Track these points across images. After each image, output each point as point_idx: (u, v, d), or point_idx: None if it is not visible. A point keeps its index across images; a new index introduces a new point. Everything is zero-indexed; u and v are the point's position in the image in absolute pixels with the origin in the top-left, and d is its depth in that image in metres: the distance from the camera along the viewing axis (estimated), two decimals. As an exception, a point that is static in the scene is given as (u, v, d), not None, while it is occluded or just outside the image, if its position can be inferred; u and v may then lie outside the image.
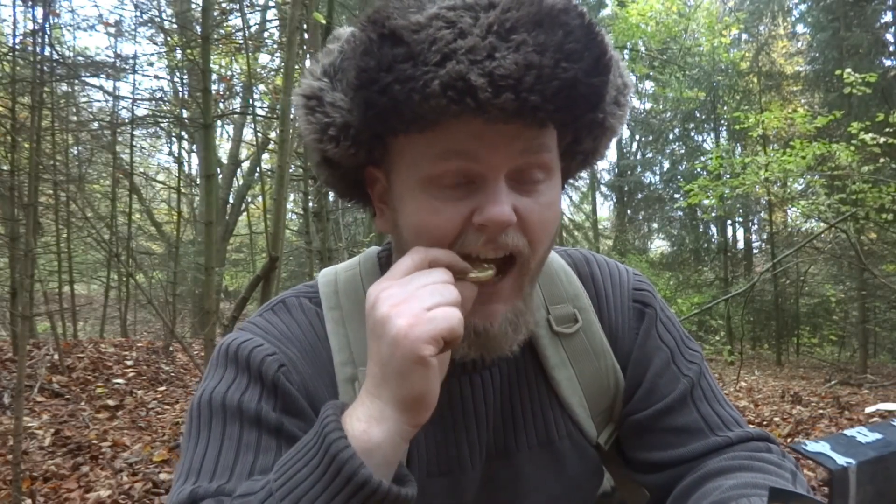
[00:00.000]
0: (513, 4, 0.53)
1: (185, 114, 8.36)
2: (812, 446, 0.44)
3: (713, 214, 11.70)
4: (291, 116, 4.05)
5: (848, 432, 0.46)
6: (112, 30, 7.46)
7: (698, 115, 14.99)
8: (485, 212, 0.58)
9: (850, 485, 0.42)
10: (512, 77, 0.51)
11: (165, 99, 8.85)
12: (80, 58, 7.49)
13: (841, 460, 0.42)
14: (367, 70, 0.54)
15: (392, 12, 0.54)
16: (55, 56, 5.84)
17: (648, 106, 16.06)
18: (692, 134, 15.92)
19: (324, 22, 4.77)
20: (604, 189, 17.92)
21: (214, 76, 6.96)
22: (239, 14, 6.63)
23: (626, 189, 17.20)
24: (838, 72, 7.50)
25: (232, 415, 0.61)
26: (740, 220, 15.62)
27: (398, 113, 0.54)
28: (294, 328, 0.69)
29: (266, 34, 8.69)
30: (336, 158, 0.63)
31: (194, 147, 10.34)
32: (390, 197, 0.64)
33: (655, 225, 17.63)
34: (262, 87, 8.10)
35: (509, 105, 0.52)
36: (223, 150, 11.40)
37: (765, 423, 4.88)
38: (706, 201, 8.67)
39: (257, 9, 8.55)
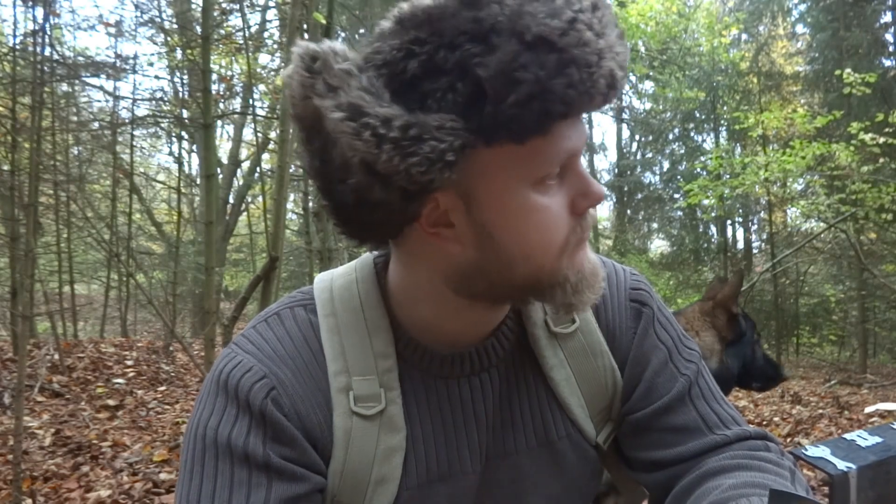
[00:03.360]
0: (600, 2, 0.55)
1: (185, 114, 8.37)
2: (812, 451, 0.44)
3: (713, 214, 11.69)
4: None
5: (848, 436, 0.46)
6: (112, 30, 7.46)
7: (698, 115, 14.98)
8: (590, 194, 0.60)
9: (850, 490, 0.42)
10: (624, 68, 0.55)
11: (165, 99, 8.85)
12: (80, 58, 7.48)
13: (841, 465, 0.42)
14: (539, 80, 0.51)
15: (527, 19, 0.52)
16: (55, 56, 5.84)
17: (648, 106, 16.08)
18: (692, 134, 15.91)
19: (324, 22, 4.77)
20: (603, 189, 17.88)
21: (214, 76, 6.96)
22: (239, 14, 6.64)
23: (625, 189, 17.21)
24: (838, 72, 7.51)
25: (223, 452, 0.62)
26: (740, 220, 15.61)
27: (562, 115, 0.53)
28: (287, 343, 0.68)
29: (266, 34, 8.69)
30: (418, 187, 0.56)
31: (194, 147, 10.34)
32: (471, 216, 0.59)
33: (655, 225, 17.63)
34: (262, 87, 8.11)
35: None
36: (223, 150, 11.40)
37: (765, 422, 4.88)
38: (706, 201, 8.67)
39: (257, 9, 8.55)
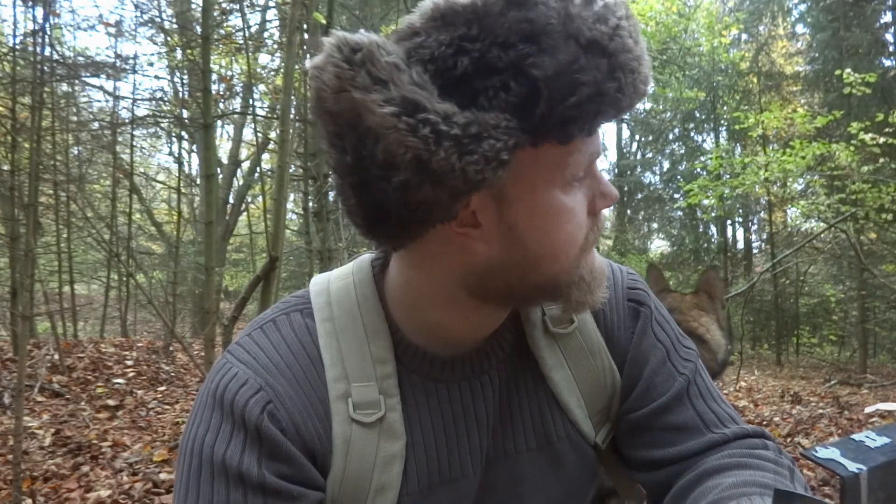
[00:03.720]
0: (629, 11, 0.56)
1: (185, 114, 8.37)
2: (822, 452, 0.45)
3: (713, 214, 11.70)
4: (292, 116, 4.05)
5: (856, 437, 0.47)
6: (112, 30, 7.47)
7: (698, 115, 15.00)
8: (607, 194, 0.62)
9: (861, 491, 0.42)
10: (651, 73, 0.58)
11: (165, 99, 8.85)
12: (80, 58, 7.49)
13: (852, 466, 0.42)
14: (597, 83, 0.52)
15: (578, 23, 0.53)
16: (55, 56, 5.85)
17: (648, 106, 16.07)
18: (692, 134, 15.93)
19: (324, 22, 4.78)
20: (604, 189, 17.89)
21: (214, 76, 6.96)
22: (239, 14, 6.64)
23: (626, 189, 17.21)
24: (838, 72, 7.51)
25: (218, 471, 0.61)
26: (740, 220, 15.64)
27: (611, 117, 0.55)
28: (284, 350, 0.67)
29: (266, 34, 8.69)
30: (469, 186, 0.55)
31: (194, 147, 10.35)
32: (501, 216, 0.59)
33: (655, 225, 17.66)
34: (262, 87, 8.12)
35: None
36: (223, 150, 11.41)
37: (765, 422, 4.88)
38: (706, 201, 8.67)
39: (257, 9, 8.56)
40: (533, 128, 0.52)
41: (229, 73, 8.16)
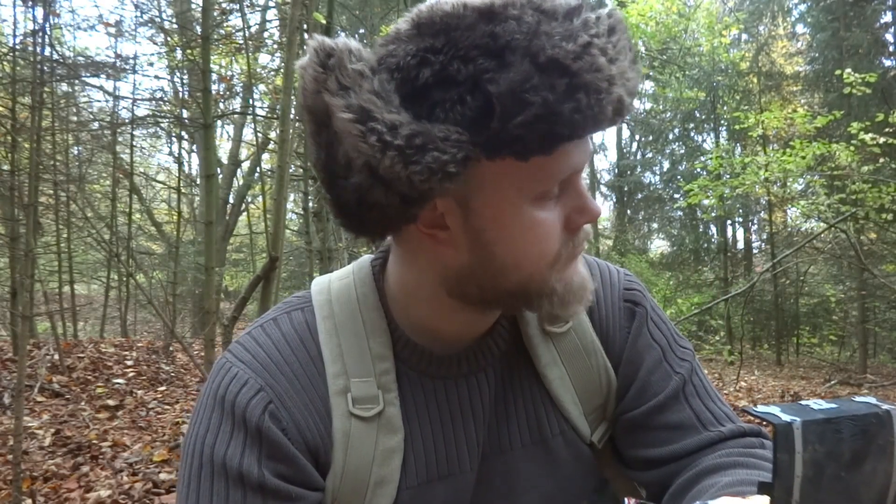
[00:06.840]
0: (618, 26, 0.56)
1: (185, 114, 8.36)
2: (762, 408, 0.46)
3: (713, 214, 11.70)
4: (292, 116, 4.05)
5: (803, 402, 0.48)
6: (112, 30, 7.46)
7: (698, 115, 15.01)
8: (586, 211, 0.62)
9: (795, 440, 0.42)
10: (634, 94, 0.56)
11: (165, 99, 8.85)
12: (80, 58, 7.49)
13: (786, 417, 0.43)
14: (547, 103, 0.51)
15: (543, 40, 0.52)
16: (55, 56, 5.85)
17: (648, 106, 16.08)
18: (692, 134, 15.95)
19: (324, 22, 4.78)
20: (604, 189, 17.97)
21: (214, 76, 6.95)
22: (239, 14, 6.64)
23: (625, 189, 17.25)
24: (838, 72, 7.51)
25: (218, 471, 0.62)
26: (740, 220, 15.65)
27: (567, 138, 0.54)
28: (283, 347, 0.68)
29: (266, 34, 8.69)
30: (417, 194, 0.56)
31: (194, 147, 10.35)
32: (467, 222, 0.60)
33: (655, 225, 17.68)
34: (262, 87, 8.12)
35: None
36: (223, 150, 11.41)
37: (765, 422, 4.89)
38: (706, 201, 8.68)
39: (257, 9, 8.56)
40: (487, 142, 0.53)
41: (229, 73, 8.16)
